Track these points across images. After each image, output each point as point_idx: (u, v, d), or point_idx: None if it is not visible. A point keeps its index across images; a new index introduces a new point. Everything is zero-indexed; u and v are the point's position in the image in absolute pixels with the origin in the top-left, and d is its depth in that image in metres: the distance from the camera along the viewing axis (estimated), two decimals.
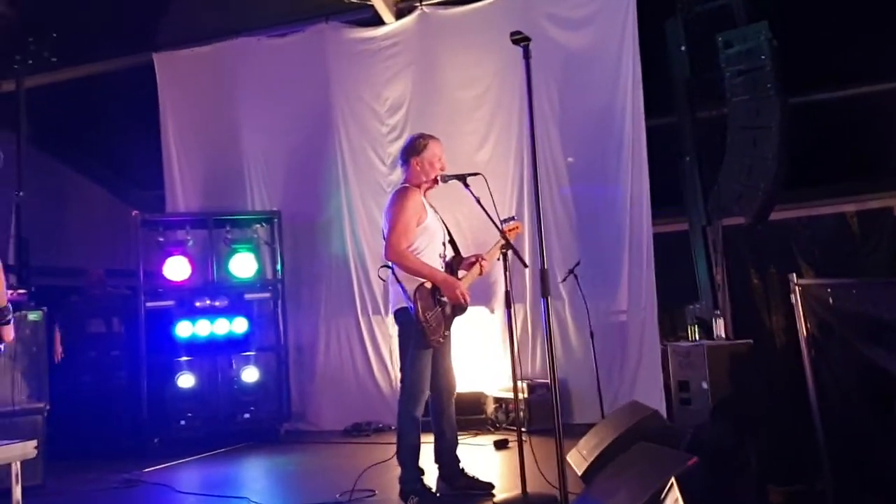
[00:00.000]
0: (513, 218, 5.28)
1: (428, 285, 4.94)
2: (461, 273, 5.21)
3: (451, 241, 5.24)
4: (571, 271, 7.21)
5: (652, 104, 8.09)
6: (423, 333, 4.87)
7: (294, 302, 9.01)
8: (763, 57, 6.99)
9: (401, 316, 5.00)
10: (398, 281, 4.89)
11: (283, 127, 9.04)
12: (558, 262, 8.09)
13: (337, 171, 8.96)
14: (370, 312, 8.76)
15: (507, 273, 4.94)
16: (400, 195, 4.99)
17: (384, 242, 4.91)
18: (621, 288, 8.11)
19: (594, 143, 8.20)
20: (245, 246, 8.66)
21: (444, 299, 4.91)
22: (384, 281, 5.06)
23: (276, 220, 8.85)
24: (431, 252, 5.07)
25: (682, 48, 8.16)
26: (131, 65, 9.71)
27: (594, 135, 8.24)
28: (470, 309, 5.15)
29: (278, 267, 8.70)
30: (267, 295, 8.72)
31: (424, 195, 5.12)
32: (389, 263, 4.95)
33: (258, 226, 8.92)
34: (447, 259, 5.13)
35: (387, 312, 8.24)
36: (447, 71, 8.69)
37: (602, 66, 8.21)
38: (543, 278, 4.28)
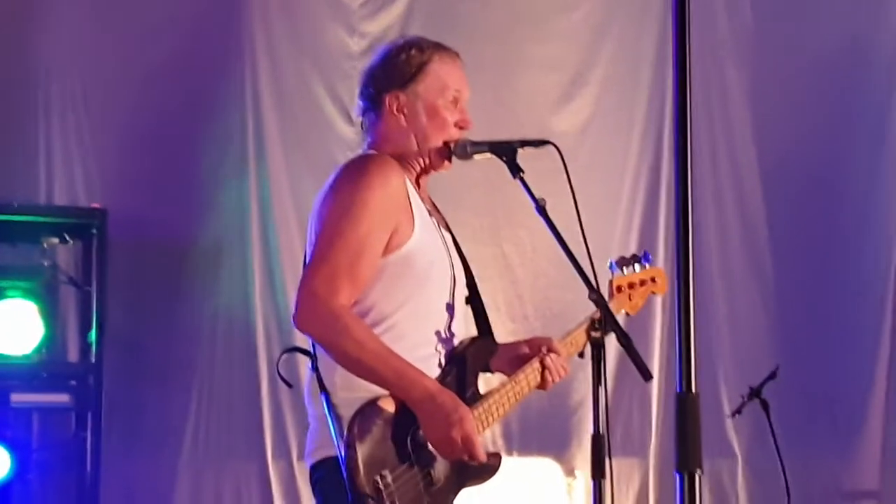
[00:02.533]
0: (639, 259, 3.64)
1: (388, 406, 3.09)
2: (487, 382, 3.40)
3: (474, 296, 3.38)
4: (756, 392, 5.23)
5: None
6: None
7: (124, 421, 6.01)
8: None
9: (321, 473, 3.16)
10: (322, 388, 3.12)
11: (125, 48, 6.41)
12: (729, 369, 6.20)
13: (241, 135, 6.29)
14: (293, 453, 6.05)
15: (601, 388, 3.04)
16: (352, 171, 3.19)
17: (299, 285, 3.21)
18: (866, 445, 6.30)
19: (828, 112, 6.53)
20: (18, 285, 5.79)
21: (428, 447, 3.08)
22: (289, 387, 3.47)
23: (94, 229, 5.90)
24: (417, 319, 3.22)
25: None
26: None
27: (830, 97, 6.57)
28: (509, 467, 3.47)
29: (91, 337, 5.79)
30: (63, 399, 5.83)
31: (416, 182, 3.27)
32: (310, 342, 3.22)
33: (54, 240, 5.98)
34: (454, 340, 3.28)
35: None
36: None
37: None
38: (686, 410, 2.17)
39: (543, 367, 3.27)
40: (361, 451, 2.95)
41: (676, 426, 1.96)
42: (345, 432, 2.98)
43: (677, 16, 2.27)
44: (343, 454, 2.95)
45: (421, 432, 3.00)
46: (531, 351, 3.30)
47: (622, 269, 3.60)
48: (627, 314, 3.60)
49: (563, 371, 3.28)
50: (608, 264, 3.61)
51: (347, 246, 3.05)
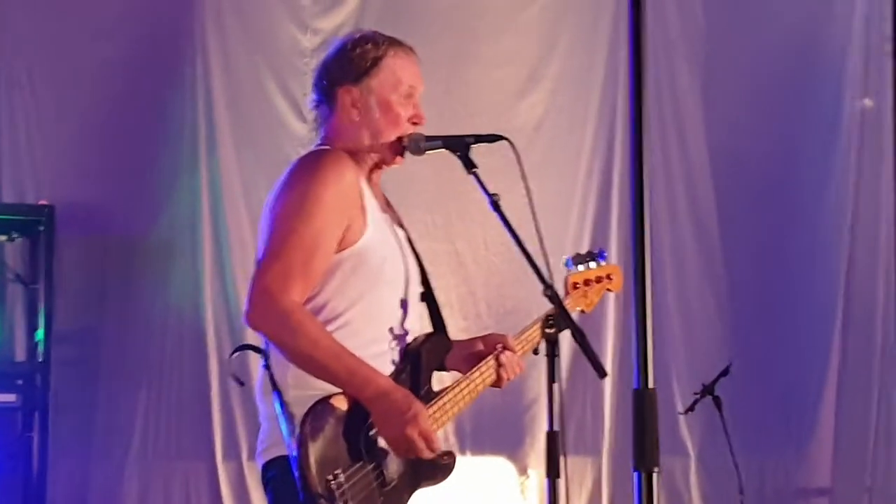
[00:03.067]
0: (594, 257, 3.64)
1: (341, 404, 3.05)
2: (440, 380, 3.32)
3: (428, 293, 3.35)
4: (708, 389, 5.23)
5: None
6: None
7: (72, 420, 6.01)
8: None
9: (273, 473, 3.10)
10: (274, 386, 3.06)
11: (75, 44, 6.40)
12: (682, 366, 6.19)
13: (192, 131, 6.29)
14: (243, 453, 6.06)
15: (556, 386, 3.00)
16: (305, 167, 3.16)
17: (251, 282, 3.14)
18: (819, 442, 6.34)
19: (779, 110, 6.63)
20: None
21: (381, 443, 3.06)
22: (241, 385, 3.41)
23: (41, 227, 5.94)
24: (370, 316, 3.19)
25: None
26: None
27: (781, 90, 6.64)
28: (462, 466, 3.36)
29: (38, 336, 5.83)
30: (10, 399, 5.84)
31: (368, 177, 3.23)
32: (261, 339, 3.18)
33: (2, 238, 6.07)
34: (407, 337, 3.26)
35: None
36: None
37: None
38: (644, 407, 2.22)
39: (499, 364, 3.26)
40: (313, 450, 2.92)
41: (634, 423, 1.95)
42: (296, 431, 2.96)
43: (633, 15, 2.25)
44: (295, 453, 2.92)
45: (374, 430, 2.98)
46: (486, 348, 3.29)
47: (577, 266, 3.59)
48: (583, 311, 3.59)
49: (518, 368, 3.27)
50: (563, 261, 3.62)
51: (301, 242, 3.03)
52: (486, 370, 3.23)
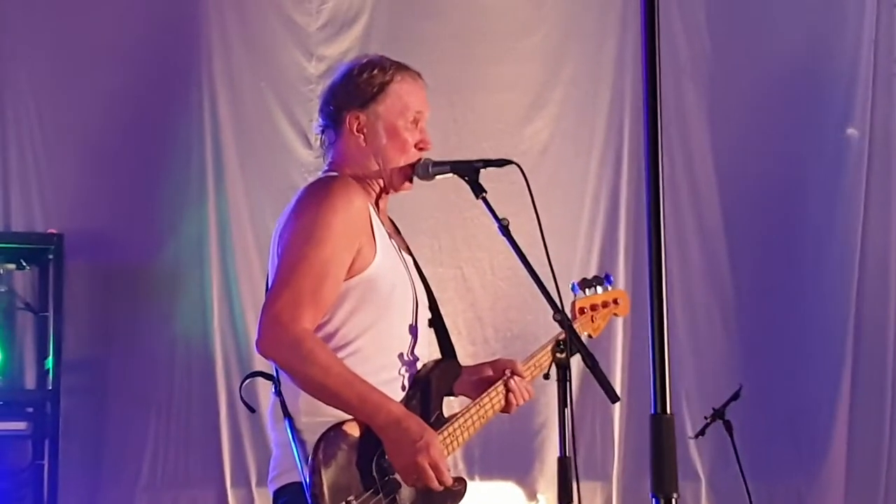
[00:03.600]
0: (601, 281, 3.62)
1: (353, 431, 3.04)
2: (448, 405, 3.30)
3: (437, 318, 3.34)
4: (719, 413, 5.19)
5: None
6: None
7: (82, 447, 5.99)
8: None
9: (285, 499, 3.09)
10: (286, 413, 3.07)
11: (81, 73, 6.40)
12: (692, 390, 6.15)
13: (199, 159, 6.29)
14: (252, 480, 6.07)
15: (568, 410, 2.96)
16: (315, 194, 3.14)
17: (262, 310, 3.14)
18: (830, 466, 6.26)
19: (786, 130, 6.58)
20: None
21: (393, 472, 3.03)
22: (252, 412, 3.40)
23: (50, 255, 5.96)
24: (380, 343, 3.18)
25: None
26: None
27: (788, 111, 6.59)
28: (471, 491, 3.27)
29: (48, 364, 5.83)
30: (20, 427, 5.84)
31: (376, 202, 3.23)
32: (271, 366, 3.17)
33: (10, 266, 6.05)
34: (417, 363, 3.23)
35: None
36: None
37: None
38: (661, 432, 2.20)
39: (508, 389, 3.24)
40: (326, 477, 2.92)
41: (652, 448, 1.92)
42: (309, 457, 2.95)
43: (646, 39, 2.23)
44: (308, 480, 2.92)
45: (386, 458, 2.96)
46: (495, 374, 3.26)
47: (584, 291, 3.57)
48: (590, 336, 3.57)
49: (527, 394, 3.25)
50: (570, 286, 3.57)
51: (310, 270, 3.02)
52: (495, 396, 3.20)
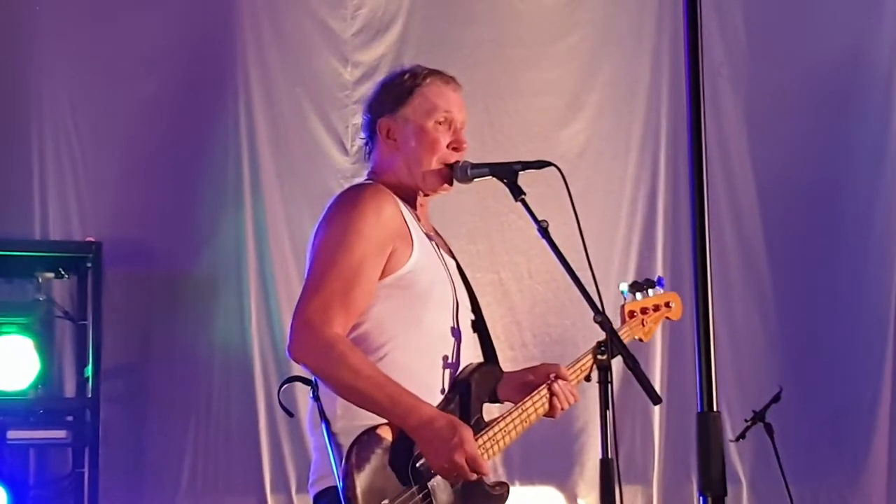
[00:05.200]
0: (652, 284, 3.50)
1: (387, 434, 3.01)
2: (489, 411, 3.28)
3: (479, 322, 3.31)
4: (759, 416, 5.17)
5: None
6: None
7: (122, 455, 6.01)
8: None
9: (325, 502, 3.09)
10: (323, 419, 3.06)
11: (117, 81, 6.39)
12: (732, 393, 6.00)
13: (236, 165, 6.31)
14: (292, 486, 6.05)
15: (610, 412, 2.91)
16: (345, 201, 3.16)
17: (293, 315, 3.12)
18: (872, 467, 6.24)
19: (825, 128, 6.56)
20: (14, 321, 5.80)
21: (429, 474, 3.00)
22: (290, 416, 3.56)
23: (89, 263, 5.95)
24: (418, 344, 3.15)
25: None
26: None
27: (827, 111, 6.55)
28: (514, 495, 3.29)
29: (87, 372, 5.80)
30: (60, 436, 5.84)
31: (415, 206, 3.23)
32: (306, 371, 3.15)
33: (49, 274, 6.03)
34: (458, 367, 3.21)
35: None
36: None
37: None
38: (708, 430, 2.45)
39: (552, 393, 3.23)
40: (360, 481, 2.91)
41: (699, 447, 1.90)
42: (342, 462, 2.96)
43: (689, 37, 2.21)
44: (342, 484, 2.92)
45: (422, 460, 2.96)
46: (537, 378, 3.25)
47: (635, 295, 3.54)
48: (641, 340, 3.53)
49: (572, 398, 3.23)
50: (620, 290, 3.62)
51: (341, 274, 3.03)
52: (539, 400, 3.19)
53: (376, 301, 3.08)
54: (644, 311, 3.50)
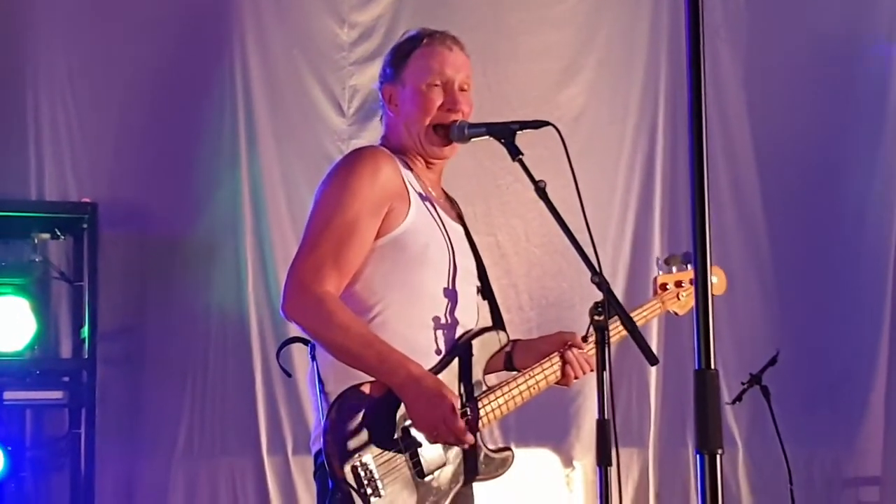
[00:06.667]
0: (689, 258, 3.39)
1: (373, 391, 3.02)
2: (496, 377, 3.25)
3: (486, 289, 3.32)
4: (756, 378, 5.14)
5: None
6: None
7: (118, 416, 5.96)
8: None
9: (320, 461, 3.06)
10: (318, 377, 3.10)
11: (114, 43, 6.33)
12: (729, 356, 6.01)
13: (232, 127, 6.23)
14: (289, 447, 6.06)
15: (607, 373, 2.94)
16: (343, 164, 3.19)
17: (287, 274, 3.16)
18: (868, 431, 6.32)
19: (824, 96, 6.54)
20: (10, 282, 5.74)
21: (413, 433, 2.98)
22: (288, 377, 3.45)
23: (85, 225, 5.88)
24: (410, 303, 3.14)
25: None
26: None
27: (826, 75, 6.54)
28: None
29: (84, 333, 5.77)
30: (57, 396, 5.81)
31: (422, 170, 3.23)
32: (297, 328, 3.17)
33: (45, 235, 5.97)
34: (457, 328, 3.18)
35: None
36: None
37: None
38: (706, 387, 2.04)
39: (565, 361, 3.22)
40: (339, 437, 2.94)
41: (696, 404, 1.88)
42: (327, 414, 2.97)
43: (689, 3, 2.18)
44: (322, 440, 2.95)
45: (407, 419, 2.98)
46: (553, 347, 3.26)
47: (671, 268, 3.50)
48: (676, 314, 3.52)
49: (587, 366, 3.23)
50: (655, 262, 3.65)
51: (333, 234, 3.06)
52: (549, 367, 3.18)
53: (369, 262, 3.08)
54: (679, 284, 3.46)
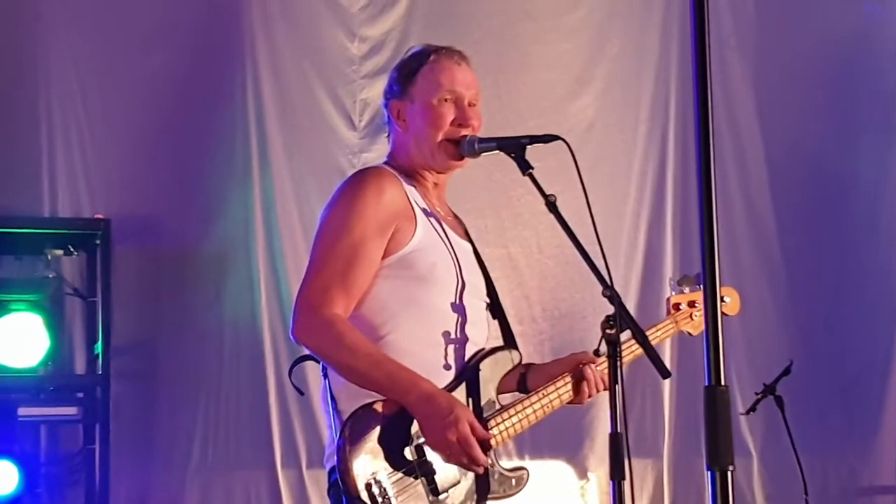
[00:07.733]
0: (696, 282, 3.44)
1: (385, 410, 3.01)
2: (511, 396, 3.25)
3: (496, 307, 3.30)
4: (770, 389, 5.09)
5: None
6: None
7: (132, 432, 5.95)
8: None
9: (334, 478, 3.05)
10: (330, 395, 3.10)
11: (125, 57, 6.31)
12: (742, 366, 6.02)
13: (244, 141, 6.20)
14: (303, 460, 6.01)
15: (619, 386, 2.93)
16: (348, 184, 3.18)
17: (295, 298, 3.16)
18: (883, 440, 6.25)
19: (835, 101, 6.50)
20: (24, 298, 5.72)
21: (427, 451, 2.95)
22: (301, 395, 3.69)
23: (98, 240, 5.90)
24: (419, 321, 3.14)
25: None
26: None
27: (836, 82, 6.52)
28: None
29: (97, 349, 5.76)
30: (71, 412, 5.80)
31: (428, 188, 3.24)
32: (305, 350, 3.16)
33: (58, 252, 5.96)
34: (468, 345, 3.17)
35: None
36: None
37: None
38: (716, 404, 2.03)
39: (582, 378, 3.21)
40: (354, 455, 2.93)
41: (706, 421, 1.88)
42: (340, 433, 2.96)
43: (695, 11, 2.18)
44: (336, 459, 2.94)
45: (420, 437, 2.96)
46: (567, 367, 3.27)
47: (684, 288, 3.50)
48: (690, 334, 3.50)
49: (601, 384, 3.24)
50: (668, 282, 3.64)
51: (340, 256, 3.05)
52: (562, 386, 3.17)
53: (377, 282, 3.08)
54: (692, 304, 3.45)
